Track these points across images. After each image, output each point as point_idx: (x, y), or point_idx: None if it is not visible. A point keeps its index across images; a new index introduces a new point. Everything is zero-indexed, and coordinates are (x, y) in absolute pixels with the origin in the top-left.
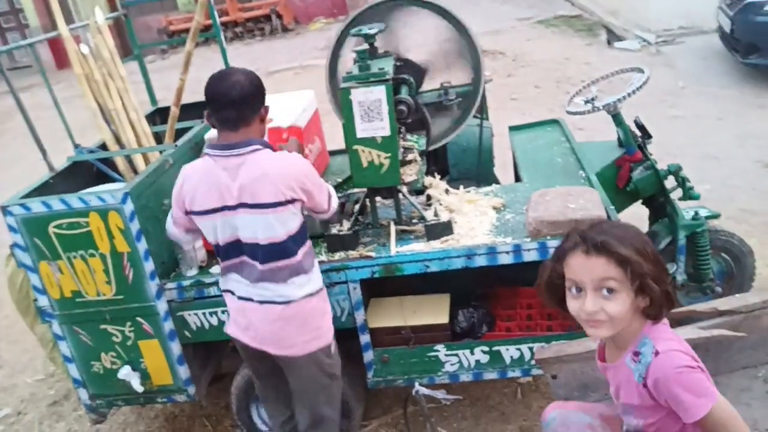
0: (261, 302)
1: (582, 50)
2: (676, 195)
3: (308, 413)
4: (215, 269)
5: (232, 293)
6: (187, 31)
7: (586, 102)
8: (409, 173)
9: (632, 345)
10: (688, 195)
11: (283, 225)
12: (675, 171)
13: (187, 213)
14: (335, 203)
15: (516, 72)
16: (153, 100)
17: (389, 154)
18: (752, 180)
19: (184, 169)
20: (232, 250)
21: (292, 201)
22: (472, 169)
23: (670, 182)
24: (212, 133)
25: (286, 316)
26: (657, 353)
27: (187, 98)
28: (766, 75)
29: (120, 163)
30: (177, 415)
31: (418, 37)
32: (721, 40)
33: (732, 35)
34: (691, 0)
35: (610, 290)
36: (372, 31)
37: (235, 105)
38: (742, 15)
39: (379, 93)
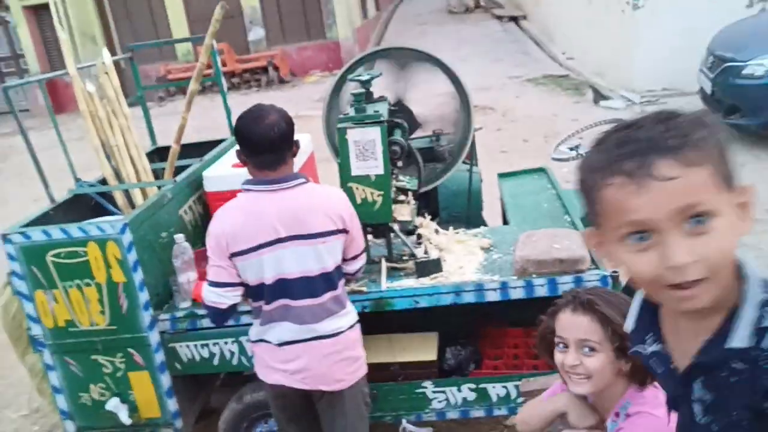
0: (309, 340)
1: (569, 107)
2: None
3: None
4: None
5: (268, 342)
6: (184, 80)
7: (571, 149)
8: (403, 213)
9: (615, 408)
10: None
11: (333, 255)
12: None
13: (231, 256)
14: (363, 262)
15: (505, 126)
16: (153, 140)
17: (382, 192)
18: None
19: (220, 212)
20: (277, 291)
21: (341, 231)
22: (461, 212)
23: None
24: (211, 171)
25: (336, 349)
26: (629, 415)
27: (185, 140)
28: (746, 135)
29: (119, 197)
30: None
31: (413, 86)
32: (702, 101)
33: (713, 96)
34: (673, 63)
35: (591, 348)
36: (367, 77)
37: (275, 148)
38: (723, 77)
39: (374, 133)
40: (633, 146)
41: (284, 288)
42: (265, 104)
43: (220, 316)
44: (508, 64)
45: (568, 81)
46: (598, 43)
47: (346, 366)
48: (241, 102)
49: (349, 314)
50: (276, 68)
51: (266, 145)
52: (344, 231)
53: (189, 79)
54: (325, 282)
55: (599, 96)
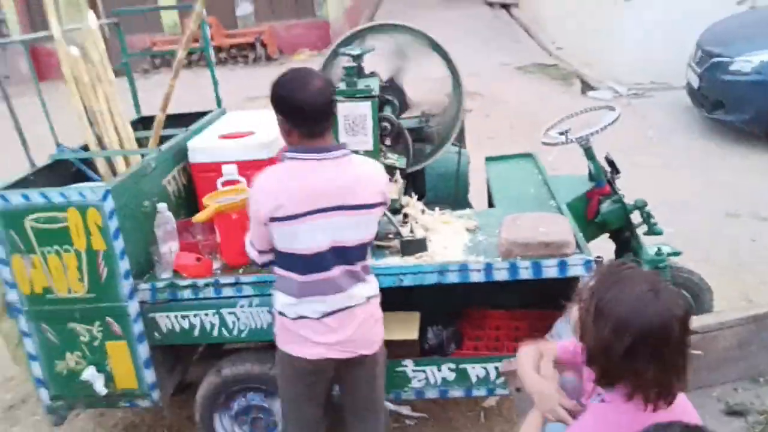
0: (347, 308)
1: (557, 96)
2: (640, 231)
3: (379, 413)
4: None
5: (308, 317)
6: (171, 49)
7: (560, 134)
8: (390, 191)
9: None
10: (652, 230)
11: (371, 227)
12: (641, 206)
13: (271, 220)
14: None
15: (493, 113)
16: (138, 109)
17: None
18: (716, 227)
19: (263, 177)
20: (320, 261)
21: (381, 204)
22: (448, 193)
23: (635, 218)
24: (196, 142)
25: (369, 312)
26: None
27: (170, 112)
28: (729, 130)
29: (101, 165)
30: (137, 424)
31: (405, 65)
32: (688, 95)
33: (699, 91)
34: (662, 57)
35: None
36: (359, 52)
37: (324, 115)
38: (710, 73)
39: (364, 108)
40: None
41: (321, 259)
42: (303, 69)
43: (258, 266)
44: (497, 52)
45: (556, 70)
46: (588, 33)
47: (377, 327)
48: (228, 77)
49: (375, 280)
50: (264, 45)
51: (317, 113)
52: (383, 204)
53: (175, 49)
54: (360, 251)
55: (587, 87)
